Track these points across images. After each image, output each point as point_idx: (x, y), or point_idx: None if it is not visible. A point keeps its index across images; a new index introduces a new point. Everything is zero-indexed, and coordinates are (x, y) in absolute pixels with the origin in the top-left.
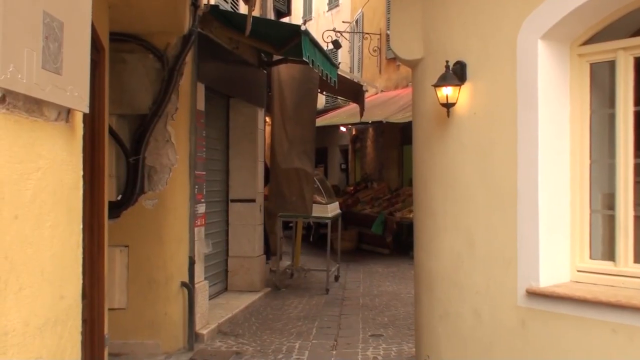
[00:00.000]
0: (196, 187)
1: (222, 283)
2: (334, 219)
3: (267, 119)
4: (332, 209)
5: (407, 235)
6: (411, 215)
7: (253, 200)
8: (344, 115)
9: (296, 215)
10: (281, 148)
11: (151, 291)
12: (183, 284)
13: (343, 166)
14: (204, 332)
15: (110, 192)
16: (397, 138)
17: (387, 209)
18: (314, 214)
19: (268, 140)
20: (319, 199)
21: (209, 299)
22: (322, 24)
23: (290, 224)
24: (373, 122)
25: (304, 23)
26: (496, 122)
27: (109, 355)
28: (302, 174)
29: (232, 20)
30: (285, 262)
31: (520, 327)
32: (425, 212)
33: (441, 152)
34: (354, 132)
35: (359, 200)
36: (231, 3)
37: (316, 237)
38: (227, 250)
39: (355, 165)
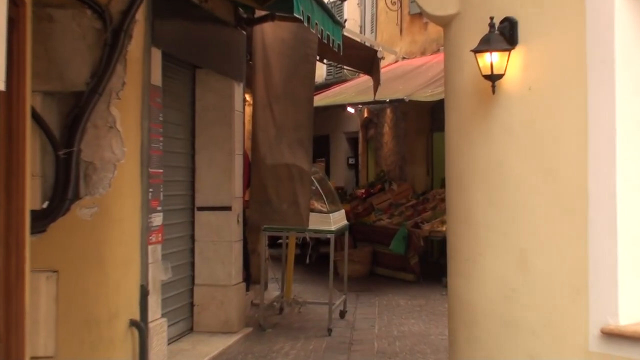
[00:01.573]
0: (150, 190)
1: (187, 321)
2: (339, 233)
3: (248, 97)
4: (337, 220)
5: (439, 256)
6: (444, 229)
7: (228, 209)
8: (353, 92)
9: (287, 228)
10: (266, 137)
11: (89, 333)
12: (133, 323)
13: (351, 161)
14: None
15: (33, 197)
16: (424, 122)
17: (412, 219)
18: (311, 227)
19: (249, 126)
20: (318, 205)
21: (169, 343)
22: None
23: (279, 241)
24: (392, 101)
25: None
26: (559, 101)
27: None
28: (296, 172)
29: None
30: (273, 293)
31: None
32: (462, 224)
33: (484, 142)
34: (365, 115)
35: (373, 208)
36: None
37: (315, 257)
38: (192, 277)
39: (367, 159)
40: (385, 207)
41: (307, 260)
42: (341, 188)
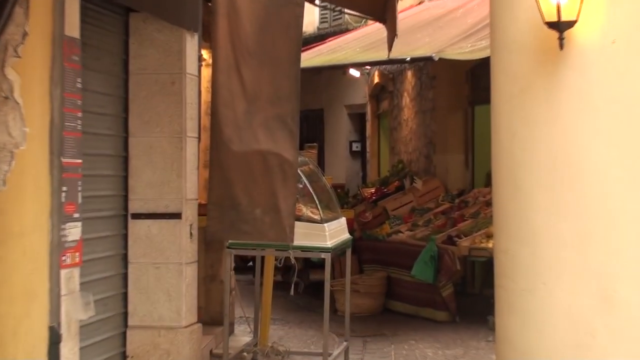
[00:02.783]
0: (64, 189)
1: None
2: (338, 252)
3: (206, 55)
4: (334, 233)
5: (483, 285)
6: (490, 245)
7: (177, 216)
8: (357, 48)
9: (263, 244)
10: (232, 112)
11: None
12: None
13: (355, 147)
14: None
15: None
16: (461, 91)
17: (443, 231)
18: (297, 242)
19: (207, 97)
20: (307, 212)
21: None
22: None
23: (251, 263)
24: (415, 60)
25: None
26: None
27: None
28: (275, 164)
29: None
30: (242, 339)
31: None
32: (517, 239)
33: (547, 119)
34: (376, 81)
35: (388, 215)
36: None
37: (303, 287)
38: (125, 315)
39: (379, 145)
40: (405, 213)
41: (292, 291)
42: (341, 186)
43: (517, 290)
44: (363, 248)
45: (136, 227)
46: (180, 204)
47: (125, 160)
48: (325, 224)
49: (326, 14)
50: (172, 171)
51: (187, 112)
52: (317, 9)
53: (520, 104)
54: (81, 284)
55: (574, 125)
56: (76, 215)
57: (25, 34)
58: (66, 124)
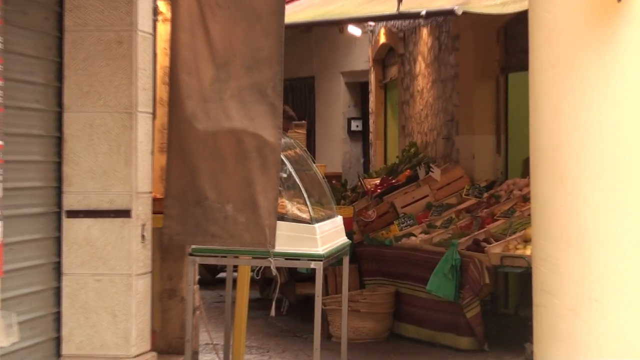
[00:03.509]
0: None
1: None
2: (333, 261)
3: (163, 6)
4: (329, 235)
5: (519, 303)
6: (528, 252)
7: (125, 214)
8: None
9: (236, 251)
10: (197, 81)
11: None
12: None
13: (356, 126)
14: None
15: None
16: (491, 55)
17: (468, 234)
18: (280, 248)
19: (165, 62)
20: (293, 208)
21: None
22: None
23: (222, 274)
24: (431, 15)
25: None
26: None
27: None
28: (252, 147)
29: None
30: None
31: None
32: (562, 244)
33: (602, 88)
34: (382, 41)
35: (397, 213)
36: None
37: (287, 305)
38: (58, 340)
39: (386, 123)
40: (419, 211)
41: (273, 311)
42: (337, 176)
43: (562, 310)
44: (365, 256)
45: (72, 229)
46: (129, 198)
47: (59, 142)
48: (316, 225)
49: None
50: (119, 156)
51: (138, 81)
52: None
53: (566, 71)
54: (1, 301)
55: (635, 97)
56: None
57: None
58: None
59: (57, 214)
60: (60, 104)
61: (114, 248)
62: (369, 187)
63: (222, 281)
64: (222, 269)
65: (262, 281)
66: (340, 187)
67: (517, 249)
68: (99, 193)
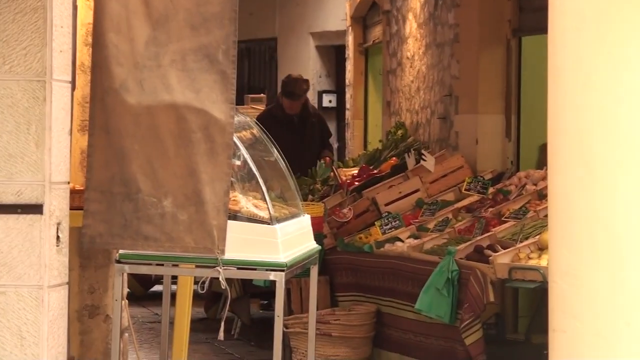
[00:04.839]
0: None
1: None
2: (298, 272)
3: None
4: (293, 239)
5: (531, 326)
6: (543, 262)
7: (35, 209)
8: None
9: (174, 257)
10: (128, 42)
11: None
12: None
13: (329, 101)
14: None
15: None
16: (500, 11)
17: (469, 239)
18: (232, 255)
19: (88, 17)
20: (249, 205)
21: None
22: None
23: (156, 287)
24: None
25: None
26: None
27: None
28: (196, 126)
29: None
30: None
31: None
32: (586, 253)
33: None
34: None
35: (378, 212)
36: None
37: (240, 326)
38: None
39: (366, 97)
40: (407, 210)
41: (221, 334)
42: (304, 165)
43: (586, 335)
44: (338, 265)
45: None
46: (40, 190)
47: None
48: (277, 226)
49: None
50: (29, 136)
51: (53, 41)
52: None
53: (596, 34)
54: None
55: None
56: None
57: None
58: None
59: None
60: None
61: (20, 252)
62: (344, 178)
63: (158, 296)
64: (158, 280)
65: (209, 296)
66: (309, 178)
67: (529, 258)
68: (3, 183)
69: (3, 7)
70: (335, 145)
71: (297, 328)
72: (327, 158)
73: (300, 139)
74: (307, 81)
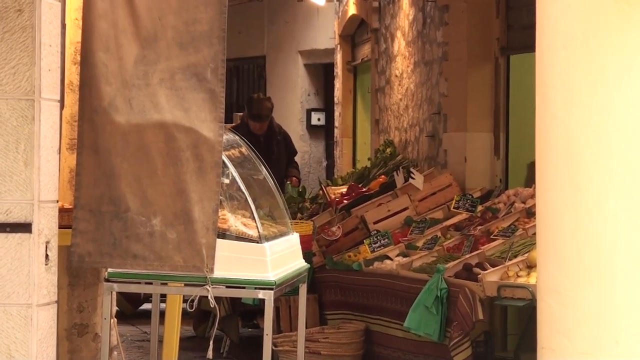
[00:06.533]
0: None
1: None
2: (287, 290)
3: None
4: (282, 257)
5: (520, 345)
6: (531, 280)
7: (24, 228)
8: None
9: (163, 275)
10: (116, 60)
11: None
12: None
13: (317, 119)
14: None
15: None
16: (489, 29)
17: (457, 257)
18: (220, 274)
19: (77, 36)
20: (238, 223)
21: None
22: None
23: (145, 305)
24: None
25: None
26: None
27: None
28: (185, 145)
29: None
30: None
31: None
32: (575, 271)
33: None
34: (352, 12)
35: (367, 230)
36: None
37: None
38: None
39: (354, 115)
40: (396, 228)
41: (210, 353)
42: (292, 183)
43: (575, 353)
44: (327, 283)
45: None
46: (29, 208)
47: None
48: (266, 244)
49: None
50: (17, 155)
51: (42, 60)
52: None
53: (584, 52)
54: None
55: None
56: None
57: None
58: None
59: None
60: None
61: (9, 271)
62: (333, 196)
63: (147, 314)
64: (147, 298)
65: (197, 315)
66: (297, 196)
67: (518, 276)
68: None
69: None
70: (324, 164)
71: (286, 346)
72: (294, 178)
73: (267, 159)
74: (269, 99)
